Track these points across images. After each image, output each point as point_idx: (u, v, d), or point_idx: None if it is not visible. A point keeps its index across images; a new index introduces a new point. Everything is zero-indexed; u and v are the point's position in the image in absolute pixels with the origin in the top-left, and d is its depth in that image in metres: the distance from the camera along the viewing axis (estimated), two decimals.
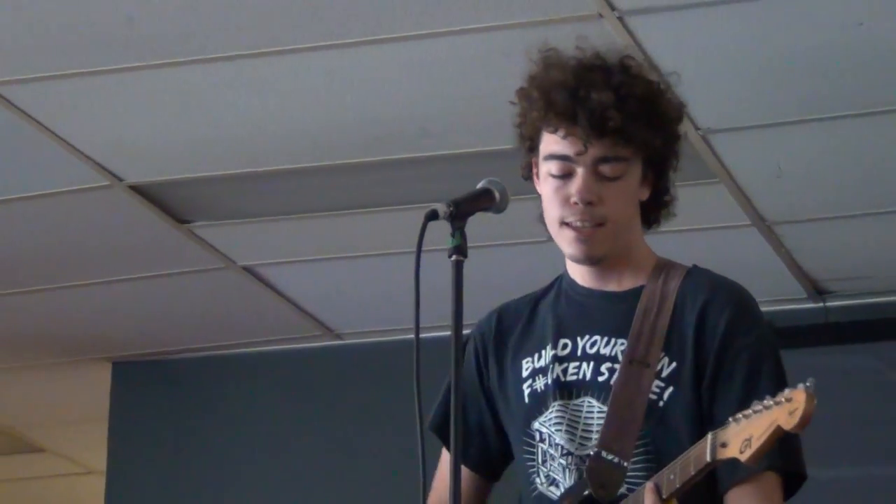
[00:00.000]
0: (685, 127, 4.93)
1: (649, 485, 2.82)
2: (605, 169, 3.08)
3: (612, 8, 4.37)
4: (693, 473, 2.81)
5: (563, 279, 3.25)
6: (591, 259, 3.14)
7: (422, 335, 2.83)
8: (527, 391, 3.16)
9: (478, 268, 3.01)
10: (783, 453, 2.96)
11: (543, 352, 3.18)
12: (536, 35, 3.26)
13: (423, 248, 2.85)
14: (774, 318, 6.01)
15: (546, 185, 3.12)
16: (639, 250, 3.21)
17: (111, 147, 5.19)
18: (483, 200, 3.04)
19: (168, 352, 6.89)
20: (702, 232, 5.48)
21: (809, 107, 4.94)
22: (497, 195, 3.04)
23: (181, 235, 5.79)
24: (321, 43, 4.56)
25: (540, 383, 3.16)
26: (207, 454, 6.78)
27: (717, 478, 2.96)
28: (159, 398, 6.90)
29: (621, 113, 3.07)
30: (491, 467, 3.11)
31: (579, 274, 3.21)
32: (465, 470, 3.23)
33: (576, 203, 3.06)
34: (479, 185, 3.07)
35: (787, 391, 2.71)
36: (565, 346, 3.15)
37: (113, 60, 4.66)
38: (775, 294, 6.12)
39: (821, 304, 6.25)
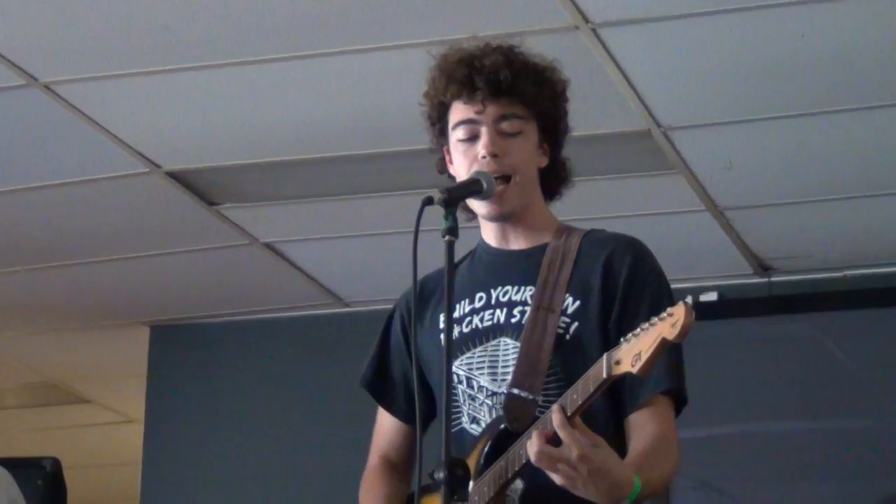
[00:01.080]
0: (649, 124, 4.98)
1: (555, 406, 2.77)
2: (505, 125, 3.10)
3: (587, 20, 4.36)
4: (592, 390, 2.76)
5: (477, 246, 3.24)
6: (502, 214, 3.14)
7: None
8: (443, 339, 3.07)
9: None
10: (675, 380, 3.01)
11: (459, 305, 3.16)
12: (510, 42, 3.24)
13: (421, 228, 2.87)
14: (725, 291, 6.07)
15: (457, 154, 3.14)
16: (542, 213, 3.21)
17: (151, 138, 5.20)
18: (472, 188, 3.08)
19: (198, 317, 6.89)
20: (662, 216, 5.50)
21: (757, 107, 4.95)
22: (484, 184, 3.08)
23: (210, 216, 5.80)
24: (334, 49, 4.57)
25: (455, 332, 3.11)
26: (231, 405, 6.79)
27: (619, 404, 2.96)
28: (190, 357, 6.90)
29: (511, 72, 3.08)
30: (417, 410, 2.96)
31: (492, 236, 3.21)
32: (396, 422, 3.27)
33: (484, 157, 3.07)
34: (469, 176, 3.11)
35: (669, 308, 2.69)
36: (480, 298, 3.15)
37: (152, 63, 4.66)
38: (725, 271, 6.15)
39: (765, 280, 6.24)
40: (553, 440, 2.74)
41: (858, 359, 6.01)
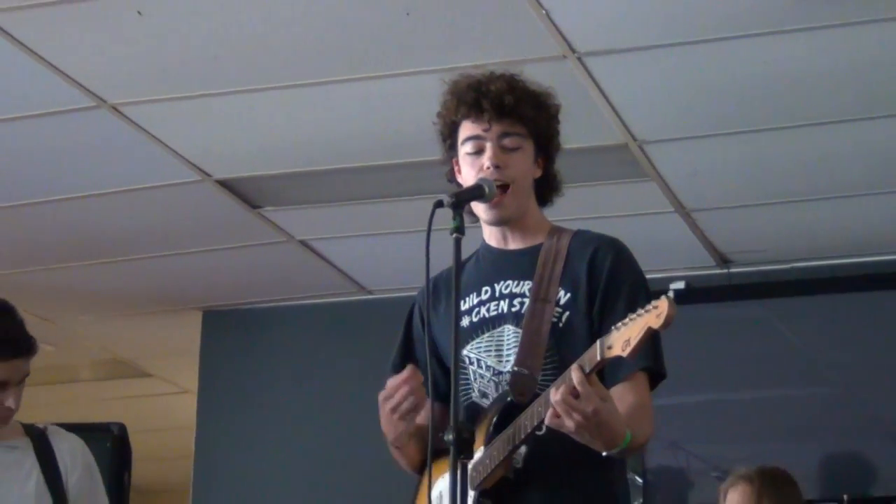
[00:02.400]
0: (626, 139, 4.98)
1: (574, 365, 2.78)
2: (507, 142, 3.12)
3: (573, 50, 4.37)
4: (588, 371, 2.78)
5: (480, 248, 3.26)
6: (502, 219, 3.15)
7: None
8: (465, 321, 3.15)
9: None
10: (653, 358, 3.02)
11: (468, 298, 3.18)
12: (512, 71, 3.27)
13: (433, 227, 2.87)
14: (691, 280, 6.07)
15: (465, 165, 3.15)
16: (536, 217, 3.22)
17: (203, 151, 5.21)
18: (476, 192, 3.10)
19: (243, 303, 6.89)
20: (638, 217, 5.52)
21: (721, 124, 4.95)
22: (486, 189, 3.10)
23: (253, 217, 5.80)
24: (358, 76, 4.59)
25: (466, 321, 3.15)
26: (271, 377, 6.79)
27: (605, 377, 2.94)
28: (236, 337, 6.91)
29: (514, 97, 3.11)
30: (437, 392, 3.01)
31: (493, 239, 3.23)
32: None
33: (488, 167, 3.08)
34: (473, 182, 3.13)
35: (654, 301, 2.70)
36: (486, 291, 3.16)
37: (203, 87, 4.68)
38: (691, 263, 6.15)
39: (725, 271, 6.24)
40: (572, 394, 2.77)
41: (804, 338, 6.02)
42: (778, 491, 4.80)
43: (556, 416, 2.77)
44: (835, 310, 5.97)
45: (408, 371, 2.99)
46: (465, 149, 3.14)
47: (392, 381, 3.02)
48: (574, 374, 2.74)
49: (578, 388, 2.74)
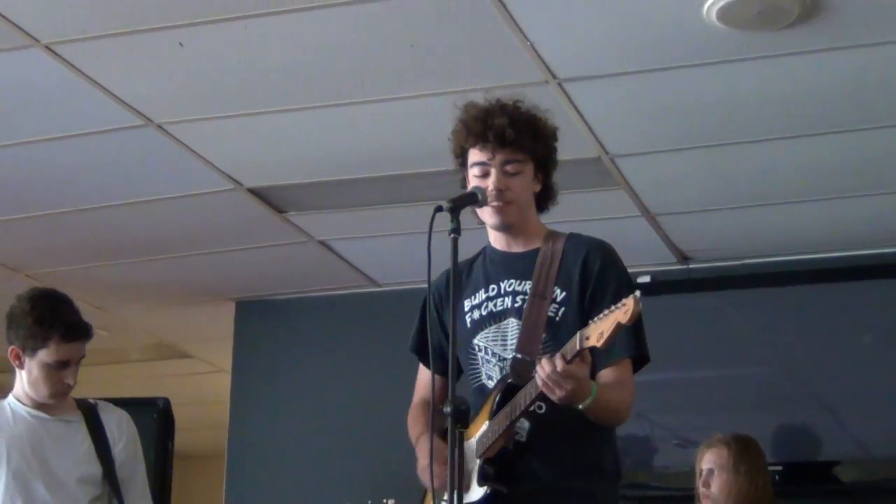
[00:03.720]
0: (599, 153, 4.98)
1: (557, 355, 2.87)
2: (509, 168, 3.15)
3: (554, 76, 4.37)
4: (569, 359, 2.85)
5: (486, 249, 3.29)
6: (504, 225, 3.19)
7: (424, 285, 3.00)
8: (468, 319, 3.20)
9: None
10: (634, 347, 3.07)
11: (477, 294, 3.22)
12: (498, 95, 3.28)
13: (434, 229, 2.90)
14: (655, 275, 6.07)
15: (472, 183, 3.18)
16: (535, 224, 3.25)
17: (236, 163, 5.21)
18: (471, 199, 3.12)
19: (270, 294, 6.89)
20: (609, 220, 5.50)
21: (682, 140, 4.94)
22: (480, 196, 3.12)
23: (279, 221, 5.79)
24: (370, 98, 4.59)
25: (476, 314, 3.20)
26: (295, 359, 6.79)
27: (594, 363, 2.98)
28: (265, 323, 6.90)
29: (514, 130, 3.13)
30: (445, 367, 3.05)
31: (498, 242, 3.26)
32: (426, 372, 3.30)
33: (493, 191, 3.11)
34: (468, 189, 3.15)
35: (623, 300, 2.77)
36: (493, 288, 3.20)
37: (238, 108, 4.67)
38: (655, 260, 6.13)
39: (685, 266, 6.23)
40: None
41: (754, 324, 6.01)
42: (751, 457, 4.81)
43: (549, 391, 2.87)
44: (780, 300, 5.97)
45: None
46: (473, 171, 3.18)
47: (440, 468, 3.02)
48: (557, 361, 2.83)
49: (559, 370, 2.83)
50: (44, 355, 3.82)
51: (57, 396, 3.88)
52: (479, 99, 3.23)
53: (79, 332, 3.86)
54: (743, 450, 4.84)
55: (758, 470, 4.85)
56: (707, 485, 4.71)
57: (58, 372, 3.84)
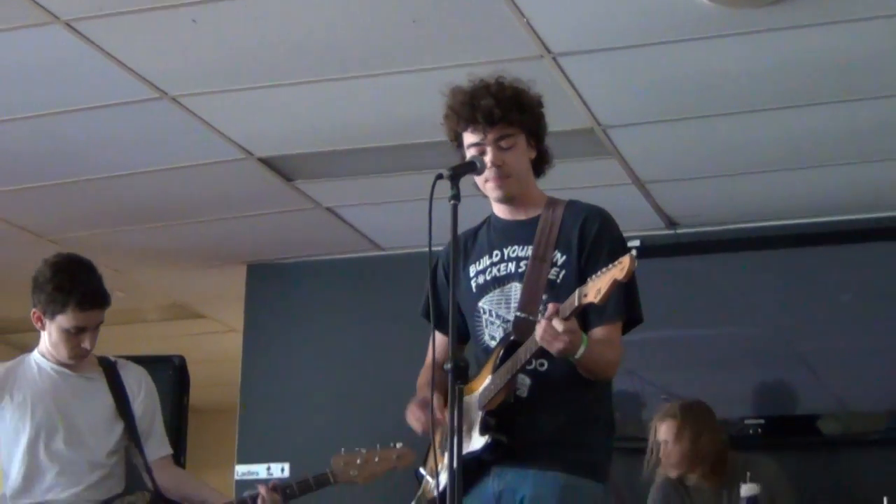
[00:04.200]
0: (592, 124, 4.98)
1: (574, 294, 2.91)
2: (502, 143, 3.17)
3: (549, 51, 4.37)
4: (568, 315, 2.89)
5: (490, 217, 3.30)
6: (506, 198, 3.21)
7: (424, 249, 2.97)
8: (473, 284, 3.22)
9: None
10: (626, 308, 3.10)
11: (482, 260, 3.24)
12: (496, 69, 3.30)
13: (435, 196, 2.91)
14: (645, 240, 6.07)
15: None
16: (535, 192, 3.27)
17: (248, 134, 5.21)
18: (470, 167, 3.13)
19: (279, 258, 6.88)
20: (601, 188, 5.47)
21: (671, 112, 4.94)
22: (478, 165, 3.13)
23: (288, 188, 5.79)
24: (374, 73, 4.59)
25: (480, 279, 3.22)
26: (303, 318, 6.79)
27: (587, 322, 3.04)
28: (274, 285, 6.89)
29: (501, 108, 3.14)
30: (458, 333, 3.06)
31: (500, 211, 3.28)
32: (441, 336, 3.30)
33: (491, 168, 3.14)
34: (468, 159, 3.16)
35: (620, 258, 2.81)
36: (497, 254, 3.22)
37: (249, 81, 4.68)
38: (645, 226, 6.13)
39: (672, 231, 6.23)
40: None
41: (737, 286, 6.02)
42: (696, 420, 5.08)
43: (547, 343, 2.90)
44: (763, 263, 5.98)
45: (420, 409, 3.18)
46: (470, 151, 3.20)
47: (419, 411, 3.19)
48: (555, 317, 2.88)
49: (556, 327, 2.87)
50: (62, 321, 3.84)
51: (75, 359, 3.91)
52: (465, 82, 3.24)
53: (95, 300, 3.87)
54: (688, 417, 5.12)
55: (699, 433, 5.10)
56: (667, 455, 4.99)
57: (75, 337, 3.86)
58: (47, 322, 3.88)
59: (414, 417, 3.19)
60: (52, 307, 3.84)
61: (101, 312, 3.89)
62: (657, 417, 5.14)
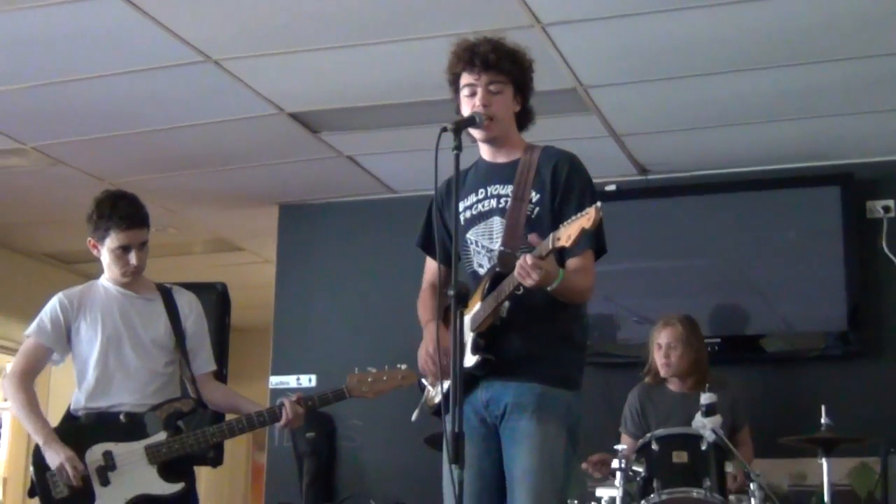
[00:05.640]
0: (574, 84, 4.96)
1: (533, 254, 2.93)
2: (492, 87, 3.17)
3: (538, 21, 4.36)
4: (544, 255, 2.92)
5: (478, 160, 3.29)
6: (489, 139, 3.20)
7: (432, 192, 3.05)
8: (462, 218, 3.21)
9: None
10: (594, 241, 3.11)
11: (469, 197, 3.24)
12: (499, 37, 3.27)
13: (440, 146, 2.91)
14: (620, 185, 6.07)
15: (463, 103, 3.20)
16: (516, 138, 3.25)
17: (280, 93, 5.20)
18: (470, 122, 3.13)
19: (307, 199, 6.87)
20: (581, 140, 5.44)
21: (644, 74, 4.91)
22: (477, 119, 3.13)
23: (314, 139, 5.78)
24: (387, 39, 4.57)
25: (468, 214, 3.22)
26: (327, 250, 6.80)
27: (562, 256, 3.05)
28: (302, 223, 6.89)
29: (496, 56, 3.14)
30: (446, 257, 3.11)
31: (486, 154, 3.27)
32: (435, 264, 3.32)
33: (478, 106, 3.13)
34: (468, 114, 3.16)
35: (587, 209, 2.82)
36: (482, 192, 3.22)
37: (284, 46, 4.66)
38: (620, 172, 6.12)
39: (644, 177, 6.22)
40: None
41: (699, 224, 6.02)
42: (697, 334, 5.01)
43: (522, 279, 2.92)
44: (721, 205, 5.98)
45: (430, 355, 3.18)
46: (463, 93, 3.19)
47: (428, 356, 3.18)
48: (528, 258, 2.91)
49: (532, 264, 2.90)
50: (109, 242, 3.88)
51: (127, 276, 3.93)
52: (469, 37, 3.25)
53: (133, 221, 3.89)
54: (692, 328, 5.03)
55: (701, 343, 5.03)
56: (668, 356, 4.92)
57: (123, 255, 3.89)
58: (99, 246, 3.92)
59: (422, 362, 3.21)
60: (100, 232, 3.88)
61: (142, 232, 3.90)
62: (661, 323, 5.05)
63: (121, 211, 3.86)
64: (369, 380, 3.92)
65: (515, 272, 2.92)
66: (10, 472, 8.39)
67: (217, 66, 4.82)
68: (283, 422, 3.82)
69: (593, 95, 5.14)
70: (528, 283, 2.92)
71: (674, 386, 5.03)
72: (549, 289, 2.97)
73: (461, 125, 3.05)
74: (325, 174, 6.37)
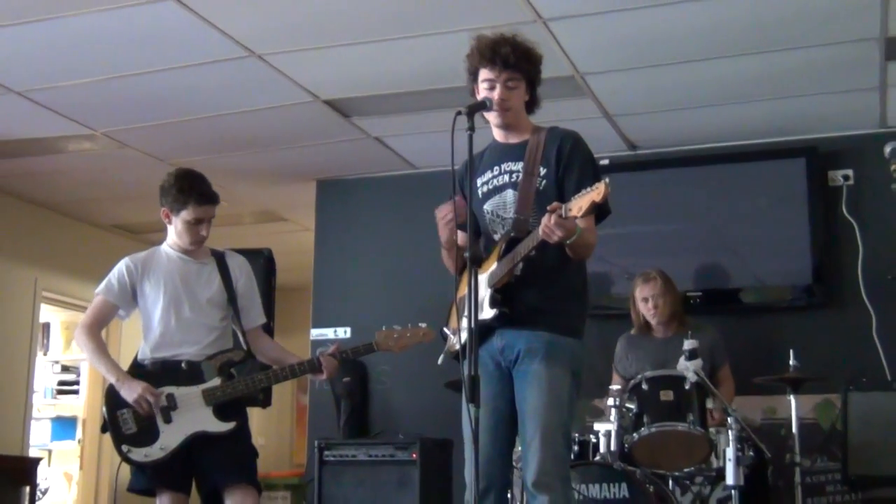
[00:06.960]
0: (572, 72, 4.92)
1: (555, 214, 2.91)
2: (510, 84, 3.16)
3: (540, 16, 4.33)
4: (565, 216, 2.91)
5: (492, 142, 3.29)
6: (504, 125, 3.21)
7: (449, 168, 2.94)
8: (480, 192, 3.23)
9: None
10: (599, 207, 3.03)
11: (485, 174, 3.24)
12: (499, 32, 3.24)
13: (456, 127, 2.92)
14: (612, 159, 6.04)
15: (481, 94, 3.18)
16: (526, 122, 3.25)
17: (316, 82, 5.19)
18: (482, 106, 3.12)
19: (340, 175, 6.87)
20: (578, 121, 5.39)
21: (636, 61, 4.88)
22: (489, 104, 3.11)
23: (346, 123, 5.77)
24: (408, 35, 4.53)
25: (485, 188, 3.23)
26: (359, 221, 6.80)
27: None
28: (337, 196, 6.89)
29: (515, 57, 3.12)
30: (474, 228, 3.14)
31: (499, 136, 3.27)
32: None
33: (498, 100, 3.13)
34: (478, 99, 3.15)
35: (596, 184, 2.82)
36: (496, 169, 3.22)
37: (320, 42, 4.64)
38: (612, 148, 6.09)
39: (634, 152, 6.19)
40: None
41: (683, 193, 6.00)
42: (671, 282, 5.02)
43: (547, 236, 2.94)
44: (702, 175, 5.95)
45: (448, 205, 3.10)
46: (482, 85, 3.19)
47: (441, 207, 3.15)
48: (553, 218, 2.91)
49: (556, 223, 2.91)
50: (185, 214, 3.89)
51: (195, 244, 3.96)
52: (487, 33, 3.23)
53: (209, 198, 3.92)
54: (668, 279, 5.07)
55: (677, 291, 5.08)
56: (656, 306, 4.96)
57: (195, 227, 3.91)
58: (173, 217, 3.94)
59: (441, 216, 3.19)
60: (177, 205, 3.89)
61: (213, 208, 3.94)
62: (640, 278, 5.07)
63: (199, 188, 3.89)
64: (395, 336, 3.95)
65: (541, 231, 2.94)
66: (88, 414, 8.55)
67: (260, 60, 4.82)
68: (325, 375, 3.85)
69: (589, 81, 5.11)
70: (554, 238, 2.93)
71: (658, 333, 5.05)
72: (567, 242, 2.98)
73: (474, 108, 3.05)
74: (355, 153, 6.36)
